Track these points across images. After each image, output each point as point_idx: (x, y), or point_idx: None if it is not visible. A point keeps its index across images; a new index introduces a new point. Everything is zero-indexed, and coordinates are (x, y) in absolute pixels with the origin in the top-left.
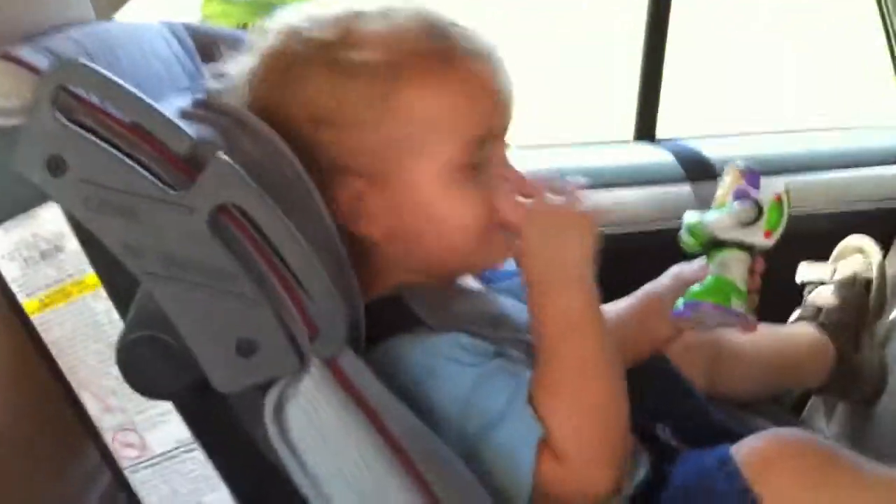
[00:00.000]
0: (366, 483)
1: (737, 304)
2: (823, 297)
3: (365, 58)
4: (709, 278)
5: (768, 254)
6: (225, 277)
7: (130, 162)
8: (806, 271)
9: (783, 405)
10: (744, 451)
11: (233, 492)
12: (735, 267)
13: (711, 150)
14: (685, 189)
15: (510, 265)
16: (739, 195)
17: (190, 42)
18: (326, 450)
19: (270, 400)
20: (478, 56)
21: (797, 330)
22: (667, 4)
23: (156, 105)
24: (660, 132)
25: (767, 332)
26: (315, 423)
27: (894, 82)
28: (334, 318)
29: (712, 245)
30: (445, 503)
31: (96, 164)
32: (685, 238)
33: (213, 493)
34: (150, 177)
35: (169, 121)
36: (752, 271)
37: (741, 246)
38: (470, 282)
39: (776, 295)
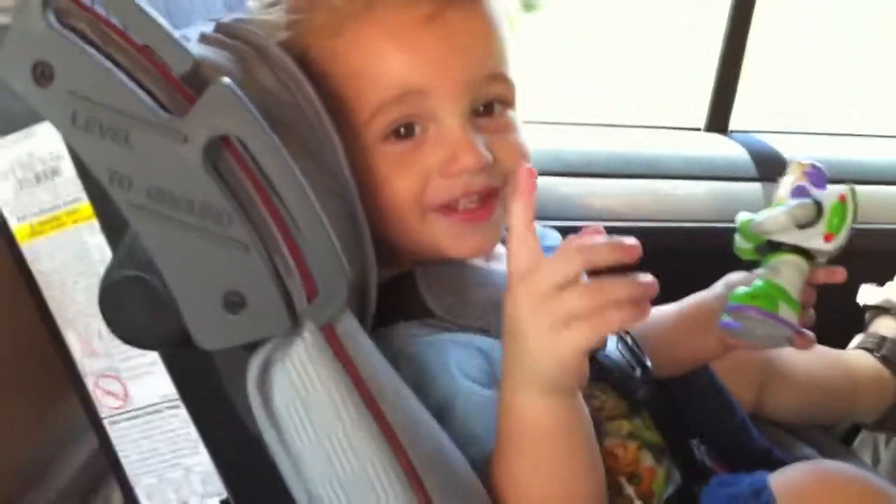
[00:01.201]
0: (350, 469)
1: (786, 313)
2: (887, 326)
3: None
4: (757, 281)
5: (831, 263)
6: (217, 218)
7: (125, 78)
8: (869, 294)
9: (833, 434)
10: (782, 480)
11: (213, 458)
12: (788, 272)
13: (786, 148)
14: (755, 187)
15: (551, 241)
16: (798, 193)
17: None
18: (311, 427)
19: (256, 362)
20: (401, 3)
21: (857, 358)
22: None
23: (159, 18)
24: (733, 124)
25: (824, 356)
26: (301, 395)
27: None
28: (336, 278)
29: (767, 248)
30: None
31: (87, 75)
32: (738, 242)
33: (196, 455)
34: (146, 97)
35: (170, 36)
36: (809, 283)
37: (798, 250)
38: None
39: (835, 316)
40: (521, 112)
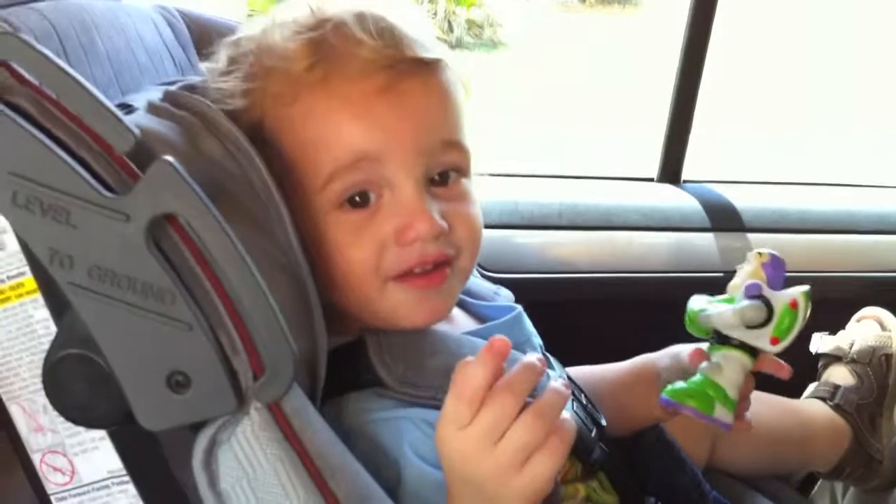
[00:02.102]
0: None
1: (721, 413)
2: (840, 374)
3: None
4: (697, 376)
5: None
6: (159, 297)
7: (66, 156)
8: (821, 343)
9: (789, 483)
10: None
11: None
12: (730, 370)
13: (739, 199)
14: (709, 237)
15: (503, 300)
16: (751, 293)
17: (185, 30)
18: None
19: (201, 442)
20: (356, 72)
21: (810, 408)
22: (703, 41)
23: (98, 95)
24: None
25: (778, 406)
26: (248, 474)
27: None
28: (283, 355)
29: (716, 337)
30: None
31: (28, 155)
32: (687, 324)
33: None
34: (88, 175)
35: (111, 114)
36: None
37: (744, 347)
38: (460, 320)
39: (789, 363)
40: (477, 164)
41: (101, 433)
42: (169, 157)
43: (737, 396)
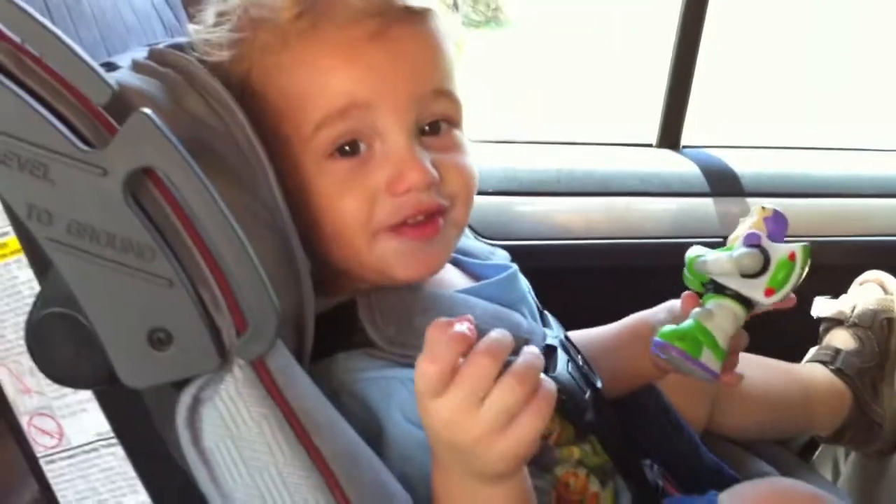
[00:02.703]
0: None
1: (708, 359)
2: (841, 338)
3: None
4: (689, 321)
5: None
6: (140, 253)
7: (44, 109)
8: (823, 307)
9: (789, 448)
10: (733, 500)
11: (153, 497)
12: (722, 318)
13: (738, 164)
14: (708, 202)
15: (499, 259)
16: (750, 240)
17: None
18: (242, 464)
19: (185, 400)
20: (346, 18)
21: (811, 372)
22: (702, 5)
23: (76, 48)
24: (684, 139)
25: (778, 370)
26: (232, 432)
27: None
28: (266, 312)
29: (712, 286)
30: None
31: (4, 109)
32: (686, 274)
33: (135, 494)
34: (66, 130)
35: (88, 66)
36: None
37: (738, 297)
38: (454, 278)
39: (790, 329)
40: (474, 130)
41: (89, 395)
42: (146, 110)
43: (726, 346)
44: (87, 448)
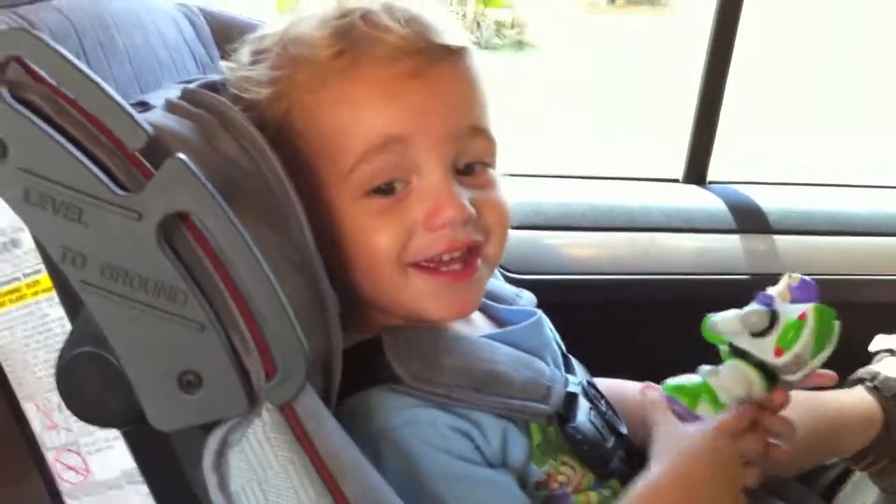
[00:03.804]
0: None
1: (704, 410)
2: (887, 363)
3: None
4: (696, 377)
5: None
6: (172, 296)
7: (79, 153)
8: (878, 341)
9: (814, 486)
10: None
11: None
12: (729, 377)
13: (764, 200)
14: (734, 239)
15: (525, 302)
16: (761, 300)
17: (206, 28)
18: None
19: (212, 443)
20: (385, 57)
21: (843, 395)
22: (729, 41)
23: (111, 91)
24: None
25: (805, 404)
26: (259, 477)
27: None
28: (295, 355)
29: (731, 351)
30: None
31: (40, 152)
32: (704, 333)
33: None
34: (101, 173)
35: (123, 111)
36: (767, 406)
37: (752, 360)
38: (479, 323)
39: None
40: (502, 164)
41: (115, 433)
42: (181, 155)
43: (729, 401)
44: (111, 485)
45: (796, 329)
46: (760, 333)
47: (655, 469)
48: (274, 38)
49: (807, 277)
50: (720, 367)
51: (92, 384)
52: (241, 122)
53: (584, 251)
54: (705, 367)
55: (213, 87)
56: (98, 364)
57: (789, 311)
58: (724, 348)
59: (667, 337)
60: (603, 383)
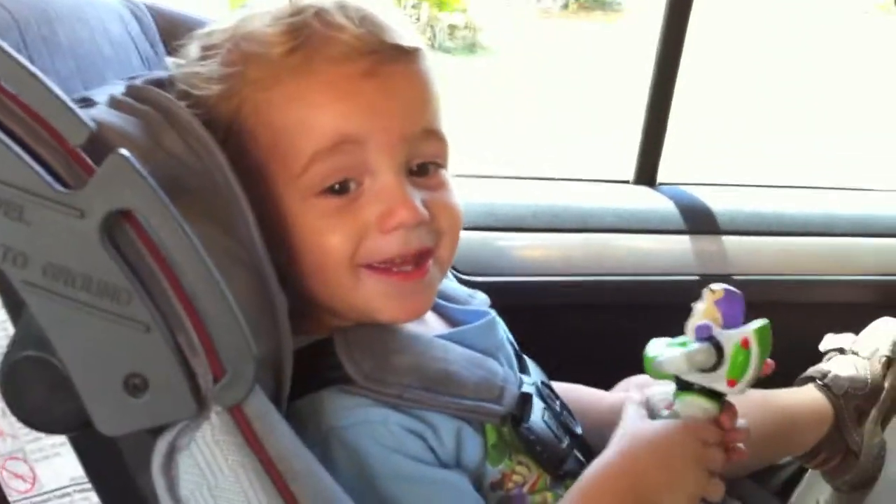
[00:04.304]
0: None
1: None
2: (837, 363)
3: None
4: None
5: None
6: (116, 297)
7: (20, 150)
8: (828, 340)
9: (769, 485)
10: None
11: None
12: (686, 411)
13: (713, 201)
14: (684, 240)
15: (478, 303)
16: (700, 334)
17: (153, 24)
18: None
19: (161, 447)
20: (339, 55)
21: (794, 393)
22: (678, 45)
23: (53, 86)
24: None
25: (758, 403)
26: (209, 481)
27: None
28: (243, 356)
29: (680, 384)
30: None
31: None
32: (646, 369)
33: None
34: (42, 170)
35: (66, 106)
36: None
37: (706, 392)
38: (432, 323)
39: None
40: (455, 165)
41: (62, 439)
42: (124, 151)
43: None
44: (60, 493)
45: (744, 357)
46: (710, 368)
47: (607, 452)
48: (224, 35)
49: (730, 287)
50: (683, 404)
51: (36, 389)
52: (187, 118)
53: (536, 252)
54: (664, 413)
55: (160, 83)
56: (42, 368)
57: (731, 339)
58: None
59: (619, 337)
60: (559, 387)
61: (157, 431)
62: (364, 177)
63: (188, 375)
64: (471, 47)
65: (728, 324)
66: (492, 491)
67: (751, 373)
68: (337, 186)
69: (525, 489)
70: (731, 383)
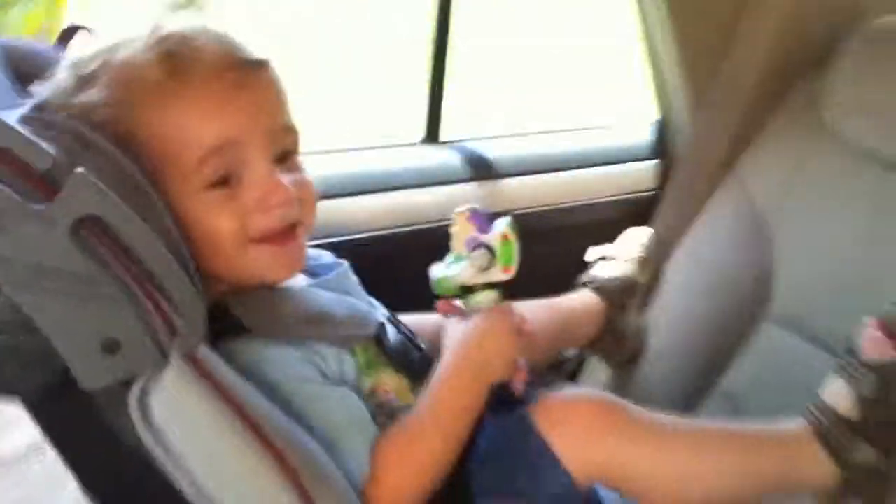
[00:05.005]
0: (232, 467)
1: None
2: (602, 267)
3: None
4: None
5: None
6: (88, 282)
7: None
8: (592, 252)
9: (562, 373)
10: (538, 409)
11: (89, 494)
12: (488, 306)
13: (493, 151)
14: (471, 187)
15: (327, 259)
16: (472, 245)
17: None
18: (192, 438)
19: (134, 394)
20: (210, 73)
21: (573, 298)
22: (446, 10)
23: (15, 124)
24: (448, 133)
25: (543, 308)
26: (179, 414)
27: (647, 83)
28: (194, 315)
29: (465, 291)
30: (309, 486)
31: None
32: (438, 291)
33: (65, 491)
34: (14, 195)
35: (28, 138)
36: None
37: (488, 286)
38: (296, 279)
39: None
40: None
41: (18, 412)
42: (81, 169)
43: None
44: (19, 459)
45: (508, 247)
46: (489, 266)
47: (444, 355)
48: (97, 63)
49: (471, 206)
50: (476, 303)
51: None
52: (96, 139)
53: (345, 216)
54: (467, 310)
55: (41, 109)
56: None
57: (494, 238)
58: (449, 293)
59: (422, 280)
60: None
61: (128, 383)
62: (243, 169)
63: (151, 333)
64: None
65: (482, 230)
66: (368, 399)
67: (516, 258)
68: (222, 180)
69: (392, 395)
70: (507, 270)
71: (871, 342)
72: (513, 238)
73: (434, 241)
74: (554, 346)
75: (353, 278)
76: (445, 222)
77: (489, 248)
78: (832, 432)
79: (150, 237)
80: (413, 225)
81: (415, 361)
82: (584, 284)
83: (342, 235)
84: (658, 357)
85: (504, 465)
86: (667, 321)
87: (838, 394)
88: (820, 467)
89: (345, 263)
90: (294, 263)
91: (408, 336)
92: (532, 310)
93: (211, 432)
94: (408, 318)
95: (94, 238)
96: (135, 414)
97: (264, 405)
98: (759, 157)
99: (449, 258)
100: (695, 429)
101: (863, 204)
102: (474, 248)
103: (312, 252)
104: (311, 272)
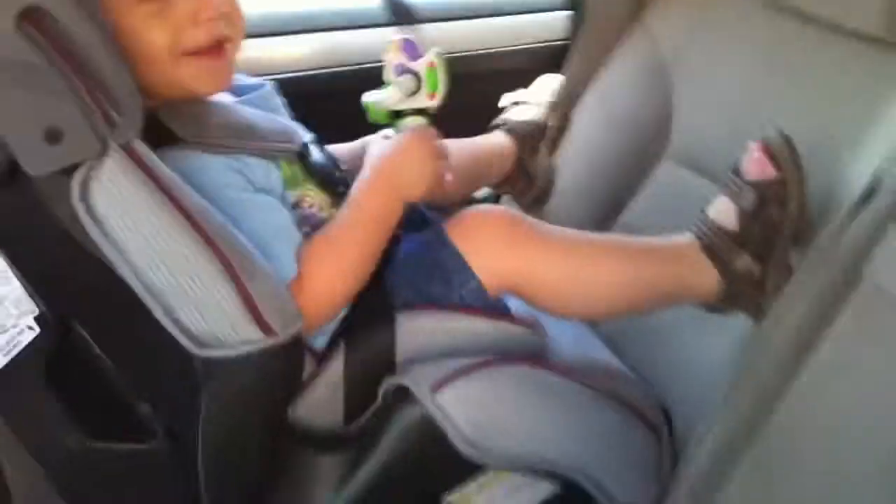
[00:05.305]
0: (166, 247)
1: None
2: (515, 111)
3: None
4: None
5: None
6: (34, 72)
7: None
8: (507, 97)
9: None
10: (452, 222)
11: (28, 282)
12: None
13: None
14: (391, 31)
15: (252, 81)
16: (399, 71)
17: None
18: (129, 221)
19: (77, 179)
20: None
21: (488, 138)
22: None
23: None
24: None
25: (461, 147)
26: (118, 199)
27: None
28: (133, 105)
29: (394, 115)
30: (243, 277)
31: None
32: (370, 117)
33: (7, 286)
34: None
35: None
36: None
37: (417, 112)
38: (223, 97)
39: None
40: None
41: None
42: None
43: None
44: None
45: (433, 75)
46: (415, 92)
47: (364, 169)
48: None
49: (403, 35)
50: (404, 127)
51: None
52: None
53: (265, 54)
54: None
55: None
56: None
57: (421, 65)
58: (381, 119)
59: (355, 112)
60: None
61: (70, 171)
62: None
63: (91, 123)
64: None
65: (413, 59)
66: (293, 211)
67: (442, 87)
68: None
69: (315, 209)
70: (432, 97)
71: (753, 163)
72: (441, 66)
73: (362, 84)
74: (469, 184)
75: (278, 100)
76: (367, 65)
77: (415, 74)
78: (715, 243)
79: (91, 32)
80: (331, 67)
81: (336, 179)
82: (498, 127)
83: (267, 75)
84: (565, 195)
85: (420, 274)
86: (573, 161)
87: (722, 210)
88: (706, 276)
89: (268, 84)
90: (223, 78)
91: (330, 157)
92: (451, 147)
93: (149, 219)
94: (331, 147)
95: (37, 29)
96: (78, 205)
97: (199, 201)
98: (666, 7)
99: (382, 87)
100: (594, 240)
101: (754, 47)
102: (401, 74)
103: (237, 75)
104: (237, 92)
